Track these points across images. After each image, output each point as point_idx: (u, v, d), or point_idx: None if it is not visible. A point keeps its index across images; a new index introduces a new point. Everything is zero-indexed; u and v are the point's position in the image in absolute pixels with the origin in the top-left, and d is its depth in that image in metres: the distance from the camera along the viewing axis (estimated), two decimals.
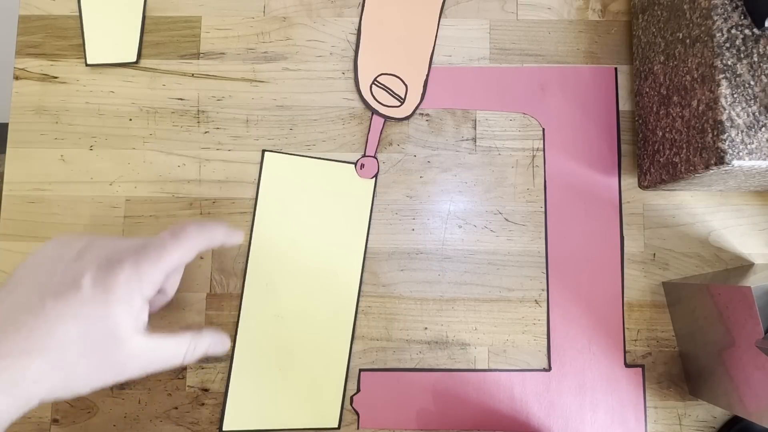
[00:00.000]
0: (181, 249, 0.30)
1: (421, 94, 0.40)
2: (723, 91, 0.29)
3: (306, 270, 0.38)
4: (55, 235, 0.38)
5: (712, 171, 0.30)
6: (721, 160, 0.29)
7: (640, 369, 0.37)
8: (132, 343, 0.28)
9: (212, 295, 0.38)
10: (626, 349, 0.38)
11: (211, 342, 0.32)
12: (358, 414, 0.37)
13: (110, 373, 0.28)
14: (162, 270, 0.29)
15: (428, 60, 0.40)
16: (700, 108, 0.30)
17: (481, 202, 0.39)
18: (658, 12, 0.36)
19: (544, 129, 0.39)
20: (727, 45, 0.29)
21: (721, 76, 0.29)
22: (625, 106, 0.40)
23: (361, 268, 0.38)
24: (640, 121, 0.38)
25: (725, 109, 0.29)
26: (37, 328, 0.26)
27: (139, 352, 0.28)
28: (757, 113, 0.29)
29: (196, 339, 0.31)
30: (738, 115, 0.29)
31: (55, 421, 0.37)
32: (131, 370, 0.28)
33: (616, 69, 0.40)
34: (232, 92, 0.40)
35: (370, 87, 0.40)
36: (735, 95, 0.29)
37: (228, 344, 0.34)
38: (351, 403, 0.37)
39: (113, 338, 0.27)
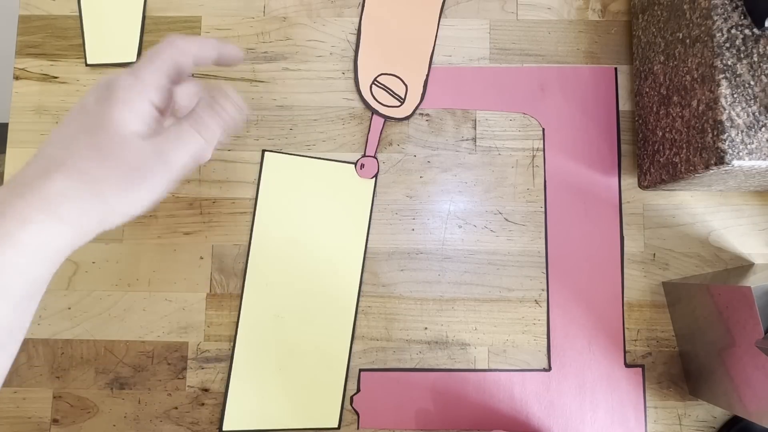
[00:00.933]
0: (171, 47, 0.29)
1: (421, 94, 0.40)
2: (723, 91, 0.29)
3: (306, 270, 0.38)
4: None
5: (712, 171, 0.30)
6: (721, 160, 0.29)
7: (640, 369, 0.37)
8: (141, 142, 0.27)
9: (212, 295, 0.38)
10: (626, 349, 0.38)
11: (215, 105, 0.30)
12: (358, 414, 0.37)
13: (138, 183, 0.27)
14: (158, 68, 0.28)
15: (428, 60, 0.40)
16: (700, 108, 0.30)
17: (481, 202, 0.39)
18: (658, 12, 0.36)
19: (544, 129, 0.39)
20: (727, 45, 0.29)
21: (721, 76, 0.29)
22: (625, 106, 0.40)
23: (361, 268, 0.38)
24: (640, 121, 0.38)
25: (725, 109, 0.29)
26: (49, 150, 0.26)
27: (152, 152, 0.27)
28: (757, 113, 0.29)
29: (193, 116, 0.29)
30: (738, 115, 0.29)
31: (55, 421, 0.37)
32: (158, 177, 0.28)
33: (616, 69, 0.40)
34: None
35: (370, 87, 0.40)
36: (735, 95, 0.29)
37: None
38: (351, 403, 0.37)
39: (120, 138, 0.26)
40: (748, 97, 0.29)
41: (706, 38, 0.30)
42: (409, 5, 0.40)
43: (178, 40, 0.30)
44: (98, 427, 0.37)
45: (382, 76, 0.40)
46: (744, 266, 0.38)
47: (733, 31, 0.29)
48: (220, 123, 0.30)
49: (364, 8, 0.40)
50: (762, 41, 0.29)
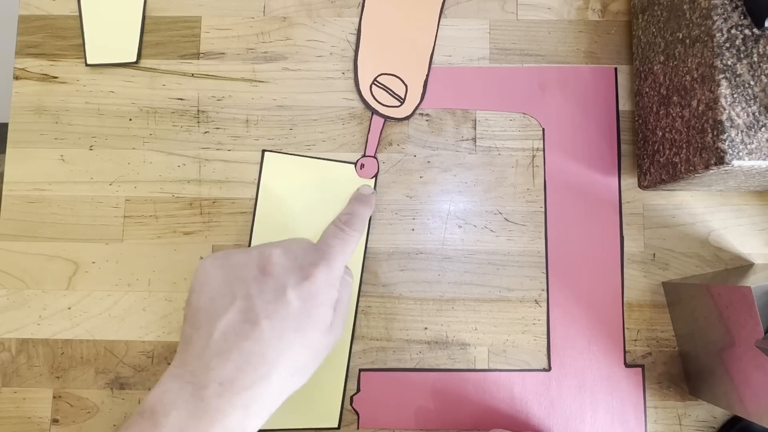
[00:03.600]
0: (354, 238, 0.33)
1: (421, 94, 0.40)
2: (723, 91, 0.29)
3: None
4: (53, 234, 0.38)
5: (712, 171, 0.30)
6: (721, 160, 0.29)
7: (640, 369, 0.37)
8: (337, 326, 0.31)
9: None
10: (626, 349, 0.38)
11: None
12: (358, 414, 0.37)
13: (327, 351, 0.31)
14: (346, 261, 0.32)
15: (428, 60, 0.40)
16: (700, 108, 0.30)
17: (481, 202, 0.39)
18: (658, 12, 0.36)
19: (544, 129, 0.39)
20: (727, 45, 0.29)
21: (721, 76, 0.29)
22: (625, 106, 0.40)
23: (360, 268, 0.38)
24: (640, 121, 0.38)
25: (725, 109, 0.29)
26: (263, 351, 0.27)
27: (339, 323, 0.32)
28: (757, 113, 0.29)
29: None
30: (738, 115, 0.29)
31: (55, 421, 0.37)
32: (339, 335, 0.32)
33: (616, 69, 0.40)
34: (232, 92, 0.40)
35: (370, 87, 0.40)
36: (735, 95, 0.29)
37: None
38: (351, 403, 0.37)
39: (326, 332, 0.30)
40: (748, 97, 0.29)
41: (706, 38, 0.30)
42: (409, 5, 0.40)
43: (363, 223, 0.35)
44: (98, 427, 0.37)
45: (382, 76, 0.40)
46: (744, 266, 0.38)
47: (733, 31, 0.29)
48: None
49: (364, 8, 0.40)
50: (762, 41, 0.29)
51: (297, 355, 0.28)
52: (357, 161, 0.39)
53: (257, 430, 0.28)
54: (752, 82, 0.29)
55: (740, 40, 0.29)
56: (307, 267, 0.30)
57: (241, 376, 0.27)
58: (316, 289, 0.29)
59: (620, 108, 0.40)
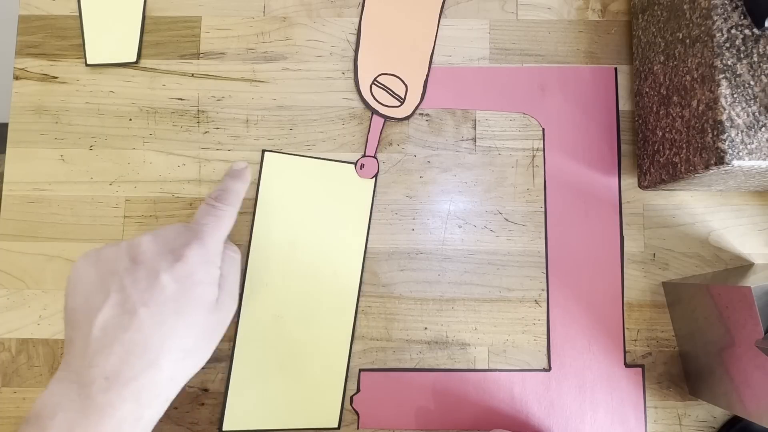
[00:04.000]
0: (228, 213, 0.32)
1: (421, 94, 0.40)
2: (723, 91, 0.29)
3: (306, 270, 0.38)
4: (53, 234, 0.38)
5: (712, 171, 0.30)
6: (721, 160, 0.29)
7: (640, 369, 0.37)
8: (225, 302, 0.31)
9: None
10: (626, 349, 0.38)
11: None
12: (358, 414, 0.37)
13: (222, 328, 0.31)
14: (221, 238, 0.32)
15: (428, 60, 0.40)
16: (700, 108, 0.30)
17: (481, 202, 0.39)
18: (658, 12, 0.36)
19: (544, 129, 0.39)
20: (727, 45, 0.29)
21: (721, 76, 0.29)
22: (625, 106, 0.40)
23: (361, 268, 0.38)
24: (640, 121, 0.38)
25: (725, 109, 0.29)
26: (145, 339, 0.27)
27: (228, 300, 0.31)
28: (757, 113, 0.29)
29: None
30: (738, 115, 0.29)
31: None
32: (232, 311, 0.32)
33: (616, 69, 0.40)
34: (232, 92, 0.40)
35: (370, 87, 0.40)
36: (735, 95, 0.29)
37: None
38: (351, 403, 0.37)
39: (212, 309, 0.30)
40: (748, 97, 0.29)
41: (706, 38, 0.30)
42: (409, 5, 0.40)
43: (237, 198, 0.34)
44: None
45: (382, 76, 0.40)
46: (744, 266, 0.38)
47: (733, 31, 0.29)
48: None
49: (364, 8, 0.40)
50: (762, 41, 0.29)
51: (183, 337, 0.28)
52: (357, 161, 0.39)
53: (157, 418, 0.28)
54: (752, 82, 0.29)
55: (740, 40, 0.29)
56: (179, 248, 0.29)
57: (127, 367, 0.27)
58: (190, 269, 0.29)
59: (620, 108, 0.40)
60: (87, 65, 0.40)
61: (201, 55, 0.40)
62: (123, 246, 0.30)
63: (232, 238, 0.39)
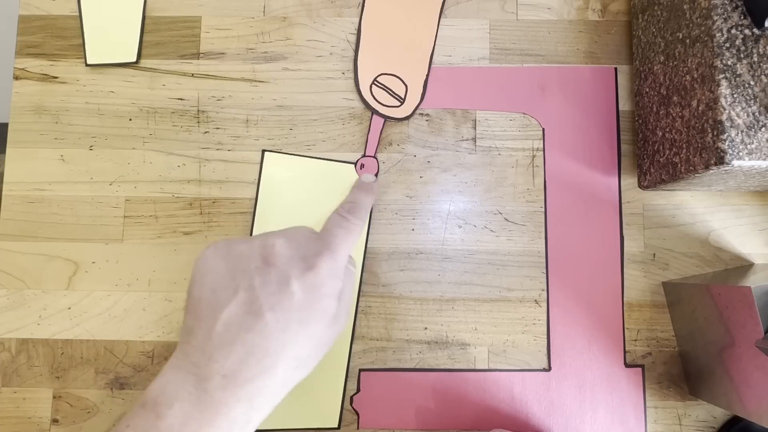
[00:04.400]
0: (357, 227, 0.32)
1: (421, 94, 0.40)
2: (723, 91, 0.29)
3: None
4: (53, 234, 0.38)
5: (712, 171, 0.30)
6: (721, 160, 0.29)
7: (640, 369, 0.37)
8: (341, 316, 0.31)
9: None
10: (626, 349, 0.38)
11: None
12: (358, 414, 0.37)
13: (332, 342, 0.31)
14: (349, 250, 0.31)
15: (428, 60, 0.40)
16: (700, 108, 0.30)
17: (481, 202, 0.39)
18: (658, 12, 0.36)
19: (544, 129, 0.39)
20: (727, 45, 0.29)
21: (721, 76, 0.29)
22: (625, 106, 0.40)
23: (361, 268, 0.38)
24: (640, 121, 0.38)
25: (725, 109, 0.29)
26: (267, 343, 0.27)
27: (344, 314, 0.31)
28: (757, 113, 0.29)
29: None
30: (738, 115, 0.29)
31: (55, 421, 0.37)
32: (344, 325, 0.32)
33: (616, 69, 0.40)
34: (232, 92, 0.40)
35: (370, 87, 0.40)
36: (735, 95, 0.29)
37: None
38: (351, 403, 0.37)
39: (331, 323, 0.29)
40: (748, 97, 0.29)
41: (706, 38, 0.30)
42: (409, 5, 0.40)
43: (366, 212, 0.34)
44: (98, 427, 0.37)
45: (382, 76, 0.40)
46: (744, 266, 0.38)
47: (733, 31, 0.29)
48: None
49: (364, 8, 0.40)
50: (762, 41, 0.29)
51: (301, 347, 0.28)
52: (357, 161, 0.39)
53: (261, 420, 0.28)
54: (752, 82, 0.29)
55: (740, 40, 0.29)
56: (310, 257, 0.29)
57: (245, 368, 0.27)
58: (320, 280, 0.29)
59: (620, 108, 0.40)
60: (87, 65, 0.40)
61: (201, 55, 0.40)
62: (256, 244, 0.29)
63: (233, 236, 0.39)
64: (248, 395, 0.27)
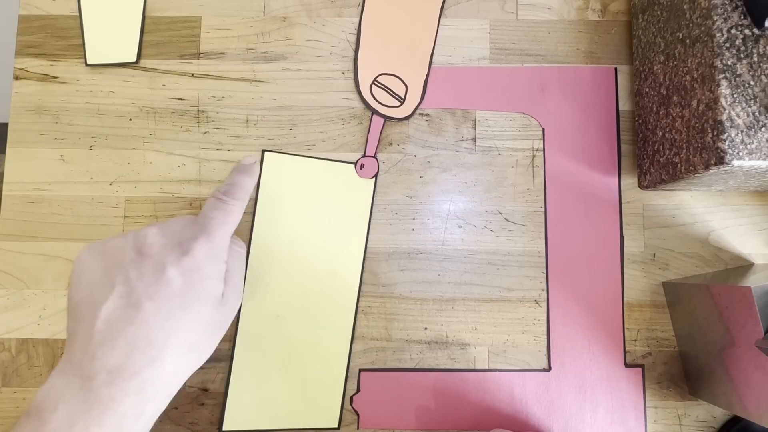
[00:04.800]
0: (236, 208, 0.32)
1: (421, 94, 0.40)
2: (723, 91, 0.29)
3: (306, 270, 0.38)
4: (53, 234, 0.38)
5: (712, 171, 0.30)
6: (721, 160, 0.29)
7: (640, 369, 0.37)
8: (231, 297, 0.31)
9: None
10: (626, 349, 0.38)
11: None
12: (358, 414, 0.37)
13: (225, 324, 0.31)
14: (229, 232, 0.31)
15: (428, 60, 0.40)
16: (700, 108, 0.30)
17: (481, 202, 0.39)
18: (658, 12, 0.36)
19: (544, 129, 0.39)
20: (727, 45, 0.29)
21: (721, 76, 0.29)
22: (625, 106, 0.40)
23: (361, 268, 0.38)
24: (640, 121, 0.38)
25: (725, 109, 0.29)
26: (150, 333, 0.27)
27: (232, 298, 0.31)
28: (757, 113, 0.29)
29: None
30: (738, 115, 0.29)
31: None
32: (236, 306, 0.32)
33: (616, 69, 0.40)
34: (232, 92, 0.40)
35: (370, 87, 0.40)
36: (735, 95, 0.29)
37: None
38: (351, 403, 0.37)
39: (218, 305, 0.29)
40: (748, 97, 0.29)
41: (706, 38, 0.30)
42: (409, 5, 0.40)
43: (245, 193, 0.34)
44: None
45: (382, 76, 0.40)
46: (744, 266, 0.38)
47: (733, 31, 0.29)
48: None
49: (364, 8, 0.40)
50: (762, 41, 0.29)
51: (188, 332, 0.28)
52: (357, 161, 0.39)
53: (159, 412, 0.28)
54: (752, 82, 0.29)
55: (740, 40, 0.29)
56: (186, 242, 0.29)
57: (130, 361, 0.26)
58: (197, 263, 0.28)
59: (620, 108, 0.40)
60: (87, 65, 0.40)
61: (201, 55, 0.40)
62: (129, 237, 0.29)
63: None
64: (137, 388, 0.26)
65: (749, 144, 0.29)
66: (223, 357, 0.37)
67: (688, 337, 0.36)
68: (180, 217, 0.32)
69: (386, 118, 0.39)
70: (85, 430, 0.25)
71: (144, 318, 0.27)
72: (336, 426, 0.37)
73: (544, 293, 0.38)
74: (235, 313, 0.32)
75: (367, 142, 0.39)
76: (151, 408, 0.27)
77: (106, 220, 0.39)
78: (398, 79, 0.40)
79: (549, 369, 0.37)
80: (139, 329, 0.27)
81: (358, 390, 0.37)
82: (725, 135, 0.29)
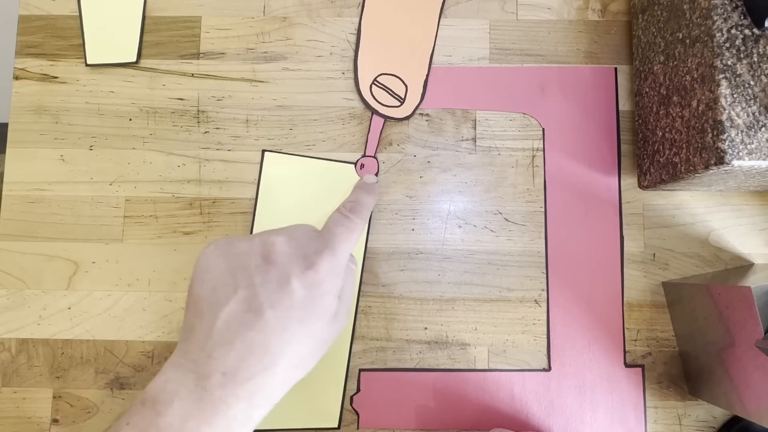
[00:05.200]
0: (359, 226, 0.32)
1: (421, 94, 0.40)
2: (723, 91, 0.29)
3: None
4: (53, 234, 0.38)
5: (712, 171, 0.30)
6: (721, 160, 0.29)
7: (640, 369, 0.37)
8: (341, 314, 0.30)
9: None
10: (626, 349, 0.38)
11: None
12: (358, 414, 0.37)
13: (332, 340, 0.31)
14: (351, 249, 0.31)
15: (428, 60, 0.40)
16: (700, 108, 0.30)
17: (481, 202, 0.39)
18: (658, 12, 0.36)
19: (544, 129, 0.39)
20: (727, 45, 0.29)
21: (721, 76, 0.29)
22: (625, 106, 0.40)
23: (360, 268, 0.38)
24: (640, 121, 0.38)
25: (725, 109, 0.29)
26: (267, 341, 0.27)
27: (344, 312, 0.31)
28: (757, 113, 0.29)
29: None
30: (738, 115, 0.29)
31: (55, 421, 0.37)
32: (344, 323, 0.32)
33: (616, 69, 0.40)
34: (232, 92, 0.40)
35: (370, 87, 0.40)
36: (735, 95, 0.29)
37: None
38: (351, 403, 0.37)
39: (331, 321, 0.29)
40: (748, 97, 0.29)
41: (706, 38, 0.30)
42: (409, 5, 0.40)
43: (368, 211, 0.34)
44: (98, 427, 0.37)
45: (382, 76, 0.40)
46: (744, 266, 0.38)
47: (733, 31, 0.29)
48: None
49: (364, 8, 0.40)
50: (762, 41, 0.29)
51: (301, 345, 0.28)
52: (357, 161, 0.39)
53: (262, 419, 0.28)
54: (752, 82, 0.29)
55: (740, 40, 0.29)
56: (311, 255, 0.29)
57: (245, 366, 0.27)
58: (320, 278, 0.29)
59: (620, 108, 0.40)
60: (87, 65, 0.40)
61: (201, 55, 0.40)
62: (256, 242, 0.29)
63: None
64: (248, 393, 0.27)
65: (749, 144, 0.29)
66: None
67: (688, 337, 0.36)
68: (304, 226, 0.32)
69: (386, 118, 0.39)
70: (197, 429, 0.25)
71: (264, 325, 0.27)
72: (336, 426, 0.37)
73: (544, 293, 0.38)
74: (343, 330, 0.32)
75: (367, 142, 0.39)
76: (257, 415, 0.28)
77: (106, 220, 0.39)
78: (398, 79, 0.40)
79: (549, 369, 0.37)
80: (257, 335, 0.27)
81: (358, 390, 0.37)
82: (725, 135, 0.29)
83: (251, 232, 0.38)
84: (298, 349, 0.28)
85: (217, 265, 0.29)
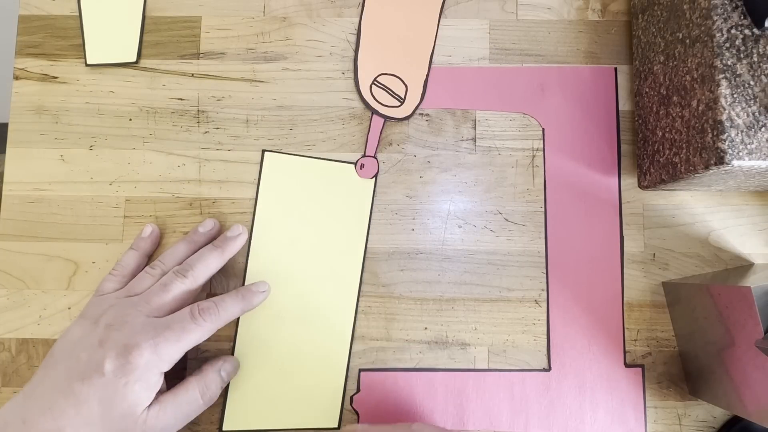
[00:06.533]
0: (200, 331, 0.33)
1: (421, 94, 0.40)
2: (723, 91, 0.29)
3: (306, 270, 0.38)
4: (53, 234, 0.38)
5: (712, 171, 0.30)
6: (720, 160, 0.29)
7: (640, 369, 0.37)
8: (149, 418, 0.31)
9: (212, 295, 0.38)
10: (626, 349, 0.38)
11: (221, 370, 0.35)
12: (358, 414, 0.37)
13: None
14: (181, 350, 0.32)
15: (428, 60, 0.40)
16: (700, 108, 0.30)
17: (481, 202, 0.39)
18: (658, 12, 0.36)
19: (544, 129, 0.39)
20: (727, 45, 0.29)
21: (721, 76, 0.29)
22: (625, 106, 0.40)
23: (361, 268, 0.38)
24: (640, 121, 0.38)
25: (725, 109, 0.29)
26: (66, 408, 0.30)
27: (156, 421, 0.31)
28: (757, 113, 0.29)
29: (202, 378, 0.34)
30: (738, 115, 0.29)
31: None
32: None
33: (615, 69, 0.40)
34: (232, 92, 0.40)
35: (370, 87, 0.40)
36: (735, 95, 0.29)
37: (237, 363, 0.36)
38: (351, 403, 0.37)
39: (131, 416, 0.30)
40: (748, 97, 0.29)
41: (706, 38, 0.30)
42: (409, 5, 0.40)
43: (212, 324, 0.33)
44: None
45: (382, 76, 0.40)
46: (744, 266, 0.38)
47: (733, 31, 0.29)
48: (221, 383, 0.35)
49: (364, 8, 0.40)
50: (762, 41, 0.29)
51: (93, 422, 0.30)
52: (357, 161, 0.39)
53: None
54: (752, 82, 0.29)
55: (740, 40, 0.29)
56: (133, 346, 0.31)
57: (40, 420, 0.29)
58: (132, 367, 0.30)
59: (620, 108, 0.40)
60: (87, 65, 0.40)
61: (201, 55, 0.40)
62: (100, 323, 0.33)
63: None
64: None
65: (749, 144, 0.29)
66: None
67: (688, 337, 0.36)
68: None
69: (386, 118, 0.39)
70: None
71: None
72: (336, 426, 0.37)
73: (544, 293, 0.38)
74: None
75: (367, 142, 0.39)
76: None
77: (106, 220, 0.39)
78: (398, 79, 0.40)
79: (549, 369, 0.37)
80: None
81: (358, 390, 0.37)
82: (725, 135, 0.29)
83: (251, 233, 0.38)
84: (88, 428, 0.30)
85: (76, 332, 0.33)
